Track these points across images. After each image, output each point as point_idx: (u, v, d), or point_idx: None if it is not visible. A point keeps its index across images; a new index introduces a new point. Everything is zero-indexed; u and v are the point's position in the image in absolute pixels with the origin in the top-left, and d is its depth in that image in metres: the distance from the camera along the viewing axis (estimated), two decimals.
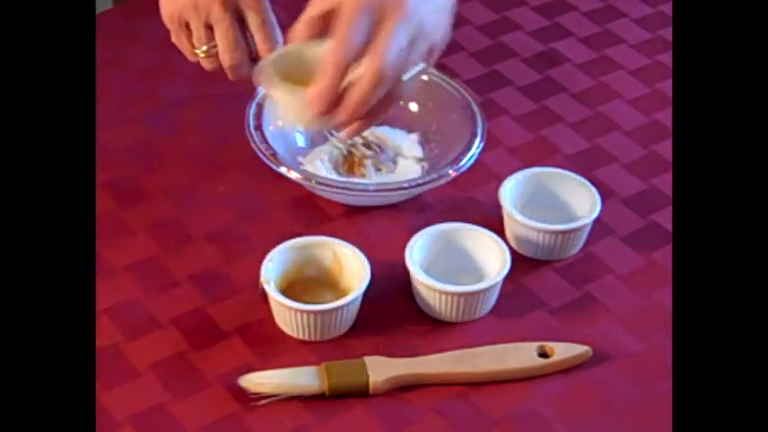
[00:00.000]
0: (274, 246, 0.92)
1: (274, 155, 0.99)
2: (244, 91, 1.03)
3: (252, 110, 1.02)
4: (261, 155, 0.99)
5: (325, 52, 0.84)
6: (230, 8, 0.95)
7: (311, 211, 1.01)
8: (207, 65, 0.98)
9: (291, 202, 1.02)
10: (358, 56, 0.84)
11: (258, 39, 0.96)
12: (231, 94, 1.07)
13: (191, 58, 0.99)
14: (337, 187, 0.98)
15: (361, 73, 0.84)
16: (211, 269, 0.96)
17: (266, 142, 1.00)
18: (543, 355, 0.89)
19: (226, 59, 0.97)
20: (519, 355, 0.89)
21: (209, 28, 0.96)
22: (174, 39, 0.99)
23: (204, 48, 0.97)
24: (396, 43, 0.83)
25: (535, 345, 0.89)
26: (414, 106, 1.08)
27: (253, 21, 0.96)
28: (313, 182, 0.98)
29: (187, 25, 0.97)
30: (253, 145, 0.99)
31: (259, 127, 1.01)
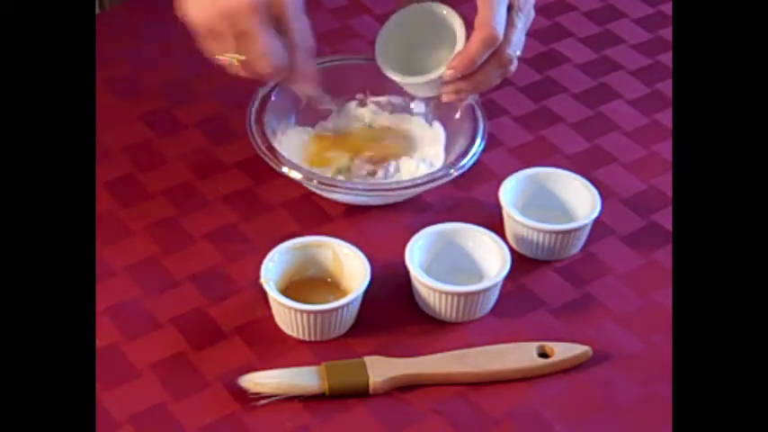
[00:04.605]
0: (274, 246, 0.92)
1: (275, 154, 0.98)
2: (244, 90, 1.03)
3: (253, 109, 1.02)
4: (262, 154, 0.99)
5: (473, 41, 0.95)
6: (265, 20, 0.89)
7: (311, 211, 1.01)
8: (242, 72, 0.93)
9: (291, 202, 1.02)
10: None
11: (294, 59, 0.93)
12: (231, 95, 1.07)
13: (224, 64, 0.93)
14: (337, 187, 0.98)
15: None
16: (211, 269, 0.96)
17: (267, 142, 0.99)
18: (543, 355, 0.89)
19: (264, 69, 0.92)
20: (519, 355, 0.89)
21: (243, 38, 0.90)
22: (202, 44, 0.93)
23: (239, 56, 0.92)
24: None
25: (535, 345, 0.89)
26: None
27: (287, 41, 0.92)
28: (314, 182, 0.98)
29: (219, 33, 0.91)
30: (253, 144, 0.99)
31: (260, 126, 1.01)
